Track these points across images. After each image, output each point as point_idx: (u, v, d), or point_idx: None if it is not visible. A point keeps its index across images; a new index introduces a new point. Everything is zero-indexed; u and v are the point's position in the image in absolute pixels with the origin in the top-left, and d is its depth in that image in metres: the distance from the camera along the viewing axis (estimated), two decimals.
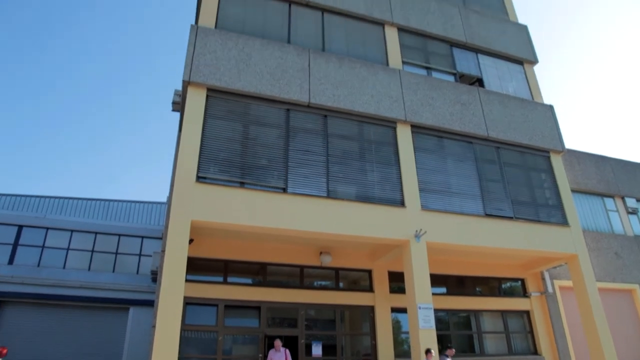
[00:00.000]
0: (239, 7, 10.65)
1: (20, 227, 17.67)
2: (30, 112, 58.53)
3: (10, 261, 16.91)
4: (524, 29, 14.15)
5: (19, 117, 57.32)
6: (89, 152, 59.76)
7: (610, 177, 15.20)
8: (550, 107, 12.79)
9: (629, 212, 14.91)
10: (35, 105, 58.13)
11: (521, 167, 11.61)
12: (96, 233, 18.47)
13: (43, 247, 17.59)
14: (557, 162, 12.10)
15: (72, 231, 18.19)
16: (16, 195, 20.68)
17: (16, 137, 56.61)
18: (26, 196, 20.84)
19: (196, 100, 8.98)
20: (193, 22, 11.78)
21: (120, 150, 62.77)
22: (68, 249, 17.86)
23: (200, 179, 8.36)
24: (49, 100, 58.53)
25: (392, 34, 11.96)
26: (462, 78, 12.43)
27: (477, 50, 12.95)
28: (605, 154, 14.14)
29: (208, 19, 10.11)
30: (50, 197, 21.03)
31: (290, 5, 11.20)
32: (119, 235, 18.76)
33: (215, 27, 10.07)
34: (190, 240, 8.75)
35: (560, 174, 11.91)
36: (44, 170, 56.74)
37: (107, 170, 58.70)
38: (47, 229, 17.92)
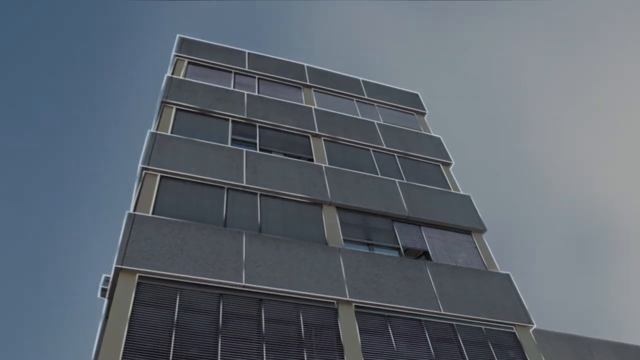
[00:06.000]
0: (177, 193, 10.97)
1: None
2: None
3: None
4: (467, 198, 14.47)
5: None
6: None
7: None
8: (507, 276, 12.37)
9: None
10: None
11: (484, 345, 10.68)
12: None
13: None
14: (526, 338, 11.14)
15: None
16: None
17: None
18: None
19: (126, 287, 8.67)
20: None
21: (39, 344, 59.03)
22: None
23: None
24: None
25: (330, 213, 12.10)
26: (407, 252, 12.23)
27: (420, 224, 12.99)
28: (577, 334, 13.27)
29: (145, 207, 10.30)
30: None
31: (227, 191, 11.51)
32: None
33: (152, 213, 10.23)
34: None
35: (532, 353, 10.82)
36: None
37: None
38: None
